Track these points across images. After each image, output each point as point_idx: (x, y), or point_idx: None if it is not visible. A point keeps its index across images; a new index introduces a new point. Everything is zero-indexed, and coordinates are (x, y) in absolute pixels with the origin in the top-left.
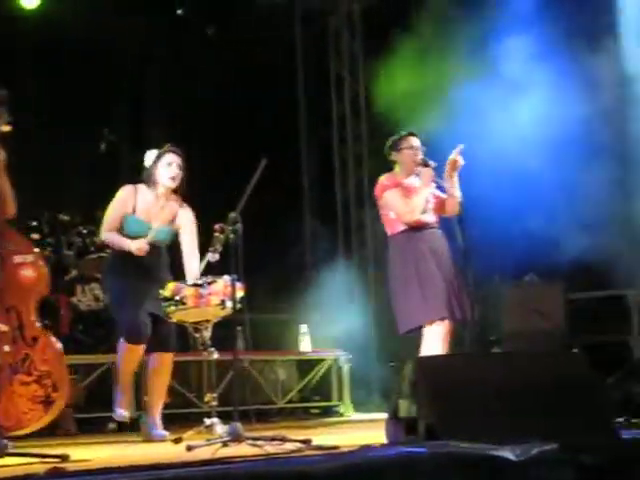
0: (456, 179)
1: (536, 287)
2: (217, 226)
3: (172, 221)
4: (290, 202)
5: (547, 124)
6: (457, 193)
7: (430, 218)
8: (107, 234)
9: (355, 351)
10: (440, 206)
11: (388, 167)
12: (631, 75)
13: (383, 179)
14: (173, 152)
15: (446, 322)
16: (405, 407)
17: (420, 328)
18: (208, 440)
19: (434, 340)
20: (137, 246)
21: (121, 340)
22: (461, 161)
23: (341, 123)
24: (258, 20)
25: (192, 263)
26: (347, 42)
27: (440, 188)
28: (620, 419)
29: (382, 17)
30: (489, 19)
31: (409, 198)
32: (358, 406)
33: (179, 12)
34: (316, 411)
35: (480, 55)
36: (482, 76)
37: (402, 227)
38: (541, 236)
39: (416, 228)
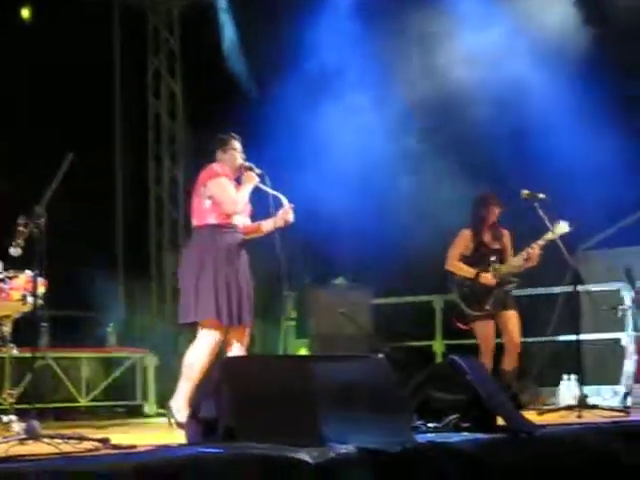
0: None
1: (345, 291)
2: (21, 220)
3: None
4: (102, 199)
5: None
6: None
7: (241, 221)
8: None
9: (163, 351)
10: (252, 230)
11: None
12: None
13: (215, 166)
14: None
15: (221, 325)
16: (206, 407)
17: (193, 324)
18: (4, 437)
19: (205, 339)
20: None
21: None
22: (291, 219)
23: (157, 121)
24: (75, 14)
25: None
26: (165, 41)
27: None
28: (418, 423)
29: (199, 18)
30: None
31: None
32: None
33: None
34: (120, 410)
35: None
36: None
37: (212, 220)
38: (351, 241)
39: (225, 226)
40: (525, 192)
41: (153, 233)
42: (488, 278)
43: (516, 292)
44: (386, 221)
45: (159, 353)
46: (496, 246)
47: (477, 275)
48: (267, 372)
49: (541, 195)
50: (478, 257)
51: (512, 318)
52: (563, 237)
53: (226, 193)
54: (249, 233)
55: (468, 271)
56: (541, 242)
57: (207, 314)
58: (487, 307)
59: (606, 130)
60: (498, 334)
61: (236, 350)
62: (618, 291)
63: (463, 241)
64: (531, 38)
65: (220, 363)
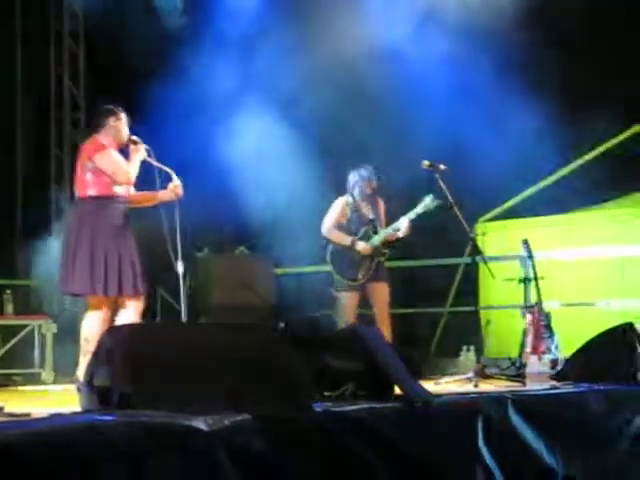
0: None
1: (246, 261)
2: None
3: None
4: (2, 163)
5: None
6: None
7: (125, 192)
8: None
9: (62, 318)
10: (144, 199)
11: None
12: None
13: (101, 138)
14: None
15: (102, 296)
16: (101, 375)
17: (77, 295)
18: None
19: (92, 312)
20: None
21: None
22: (181, 193)
23: (59, 84)
24: None
25: None
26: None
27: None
28: (315, 392)
29: None
30: None
31: None
32: (64, 376)
33: None
34: (18, 378)
35: None
36: None
37: (93, 192)
38: (252, 211)
39: (107, 197)
40: (426, 162)
41: (53, 197)
42: (364, 247)
43: (416, 263)
44: (288, 191)
45: (58, 320)
46: (371, 216)
47: (353, 243)
48: (160, 339)
49: (442, 166)
50: (354, 226)
51: (383, 290)
52: (462, 209)
53: (118, 164)
54: (140, 202)
55: (344, 239)
56: (412, 215)
57: (83, 288)
58: (359, 277)
59: (509, 101)
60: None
61: (124, 318)
62: (516, 262)
63: (340, 209)
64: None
65: (110, 331)
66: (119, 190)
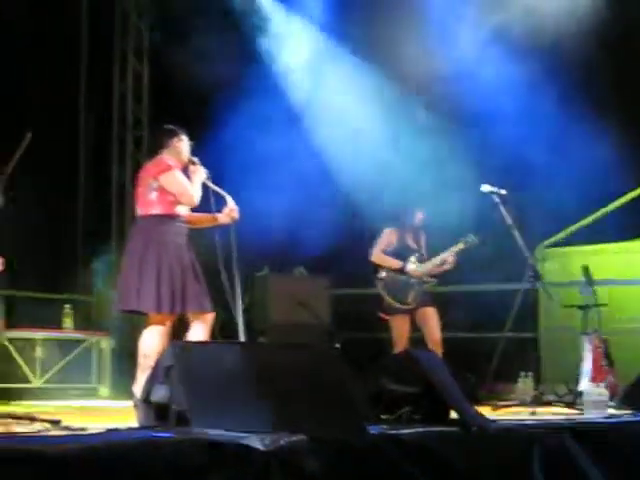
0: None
1: (303, 280)
2: None
3: None
4: (64, 181)
5: None
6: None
7: (186, 212)
8: None
9: (121, 334)
10: (204, 220)
11: None
12: None
13: (166, 158)
14: None
15: (165, 314)
16: (158, 392)
17: (137, 313)
18: None
19: (152, 329)
20: None
21: None
22: (237, 217)
23: (122, 102)
24: None
25: None
26: (134, 21)
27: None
28: (371, 414)
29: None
30: None
31: None
32: (121, 391)
33: None
34: (75, 392)
35: None
36: None
37: (157, 211)
38: (311, 232)
39: (170, 216)
40: (487, 187)
41: (114, 217)
42: (414, 268)
43: (475, 287)
44: (345, 213)
45: (116, 336)
46: (415, 247)
47: (403, 266)
48: (218, 358)
49: (502, 191)
50: (399, 255)
51: (432, 315)
52: (523, 234)
53: (183, 186)
54: (199, 223)
55: (394, 262)
56: (455, 249)
57: (148, 305)
58: (409, 300)
59: (573, 127)
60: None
61: (194, 335)
62: (576, 289)
63: (387, 239)
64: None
65: (170, 348)
66: (181, 210)
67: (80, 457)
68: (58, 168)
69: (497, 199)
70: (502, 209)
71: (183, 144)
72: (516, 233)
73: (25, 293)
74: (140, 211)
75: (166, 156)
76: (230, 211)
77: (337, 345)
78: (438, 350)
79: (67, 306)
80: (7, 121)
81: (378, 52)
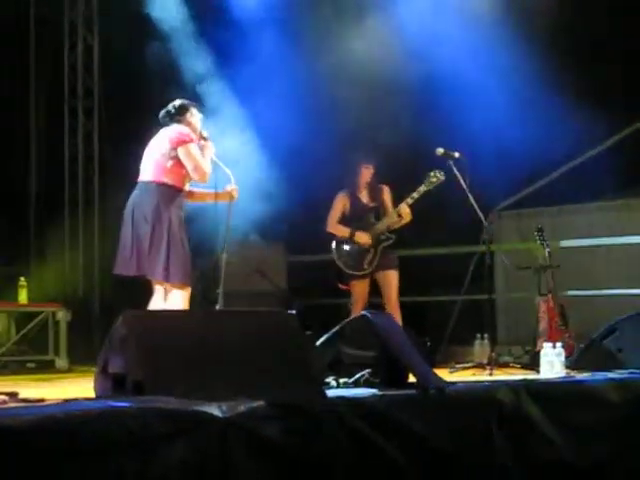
0: None
1: (258, 248)
2: None
3: None
4: (16, 151)
5: None
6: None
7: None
8: None
9: (77, 306)
10: (205, 196)
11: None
12: None
13: (185, 129)
14: None
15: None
16: (114, 362)
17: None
18: None
19: (182, 299)
20: None
21: None
22: (236, 197)
23: (73, 74)
24: None
25: None
26: None
27: None
28: (329, 379)
29: None
30: None
31: None
32: (77, 361)
33: None
34: (31, 365)
35: None
36: None
37: (169, 180)
38: (265, 198)
39: (179, 188)
40: (440, 150)
41: (67, 187)
42: (363, 237)
43: (430, 251)
44: (301, 183)
45: (71, 307)
46: (373, 204)
47: (352, 234)
48: (174, 326)
49: (456, 154)
50: (357, 217)
51: (391, 277)
52: (477, 197)
53: (199, 161)
54: (199, 198)
55: (344, 231)
56: (410, 199)
57: (181, 276)
58: (365, 266)
59: (524, 89)
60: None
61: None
62: (530, 251)
63: (340, 203)
64: None
65: (124, 317)
66: (186, 185)
67: (40, 428)
68: (9, 138)
69: (451, 162)
70: (456, 171)
71: (196, 119)
72: (470, 196)
73: None
74: (149, 176)
75: (187, 128)
76: (232, 190)
77: (293, 312)
78: (396, 313)
79: (22, 278)
80: None
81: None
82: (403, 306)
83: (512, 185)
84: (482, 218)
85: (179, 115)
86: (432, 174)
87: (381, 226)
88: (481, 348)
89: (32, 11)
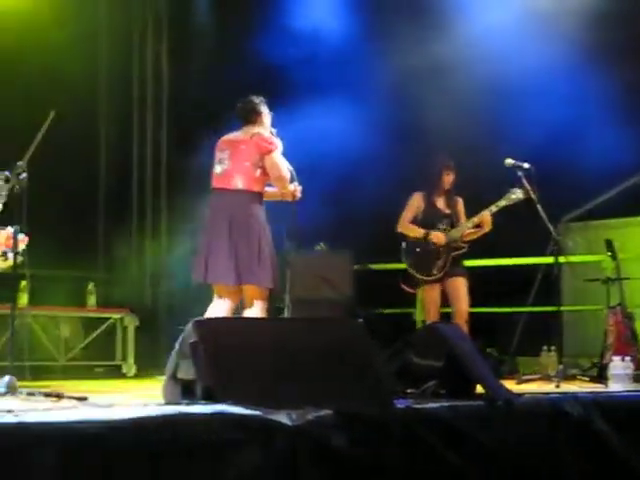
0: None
1: (325, 256)
2: (1, 174)
3: None
4: (85, 158)
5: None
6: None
7: None
8: None
9: (144, 312)
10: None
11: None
12: None
13: (269, 135)
14: None
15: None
16: (184, 368)
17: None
18: None
19: (262, 305)
20: None
21: None
22: (299, 197)
23: (142, 83)
24: None
25: None
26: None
27: None
28: (396, 389)
29: None
30: None
31: None
32: (144, 367)
33: None
34: (99, 370)
35: None
36: None
37: (258, 188)
38: (333, 206)
39: (262, 195)
40: (509, 161)
41: (135, 194)
42: (439, 236)
43: (497, 262)
44: (368, 188)
45: (140, 313)
46: (448, 211)
47: (427, 234)
48: (244, 333)
49: (525, 165)
50: (429, 221)
51: (460, 286)
52: (545, 207)
53: (282, 170)
54: (267, 198)
55: (418, 231)
56: (494, 208)
57: (269, 281)
58: (435, 271)
59: (595, 99)
60: (445, 302)
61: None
62: (600, 263)
63: (415, 203)
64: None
65: (195, 324)
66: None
67: (110, 433)
68: (78, 146)
69: (520, 173)
70: (525, 183)
71: (268, 118)
72: (539, 207)
73: (49, 271)
74: (241, 184)
75: (268, 133)
76: (294, 189)
77: (360, 320)
78: (463, 323)
79: (90, 284)
80: (31, 102)
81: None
82: (470, 316)
83: (580, 196)
84: (551, 229)
85: (256, 115)
86: (513, 191)
87: (455, 233)
88: (548, 360)
89: (103, 19)
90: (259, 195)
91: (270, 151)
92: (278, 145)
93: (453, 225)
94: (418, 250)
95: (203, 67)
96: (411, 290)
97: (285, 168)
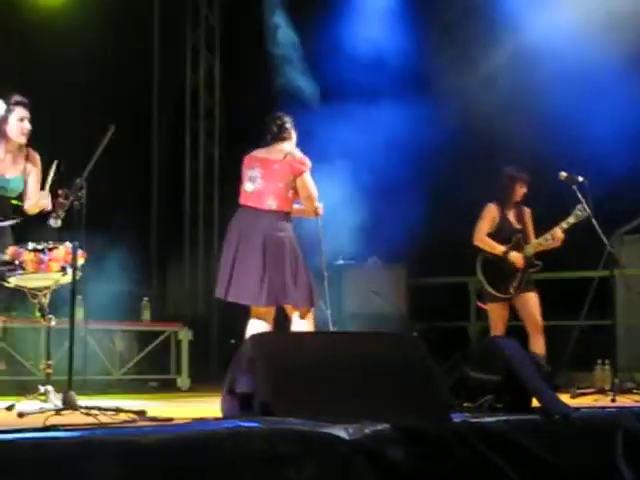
0: None
1: (378, 270)
2: (61, 191)
3: (23, 170)
4: (138, 174)
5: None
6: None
7: None
8: None
9: (197, 326)
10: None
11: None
12: None
13: (303, 156)
14: (24, 105)
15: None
16: (242, 383)
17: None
18: (41, 408)
19: (311, 323)
20: None
21: None
22: (321, 213)
23: (194, 96)
24: None
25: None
26: (204, 15)
27: None
28: (453, 402)
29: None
30: None
31: None
32: (197, 381)
33: None
34: (154, 384)
35: None
36: None
37: (289, 208)
38: (386, 221)
39: (290, 214)
40: (563, 174)
41: (187, 208)
42: (518, 258)
43: (550, 275)
44: (423, 203)
45: (193, 327)
46: (519, 226)
47: (507, 252)
48: (301, 348)
49: (580, 178)
50: (503, 236)
51: (532, 299)
52: (600, 220)
53: (312, 192)
54: (295, 215)
55: (497, 248)
56: (565, 225)
57: (307, 302)
58: (511, 290)
59: None
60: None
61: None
62: None
63: (490, 215)
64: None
65: (252, 339)
66: None
67: (171, 447)
68: (132, 162)
69: (574, 186)
70: (580, 196)
71: (295, 134)
72: (594, 220)
73: (103, 286)
74: (274, 205)
75: (299, 152)
76: (317, 207)
77: (415, 334)
78: (538, 335)
79: (145, 298)
80: (85, 116)
81: None
82: (521, 330)
83: (635, 209)
84: (605, 242)
85: (286, 132)
86: (579, 207)
87: (530, 249)
88: (602, 374)
89: (155, 33)
90: (289, 214)
91: (302, 172)
92: (309, 165)
93: (526, 240)
94: (495, 266)
95: (256, 79)
96: (483, 306)
97: (314, 188)
